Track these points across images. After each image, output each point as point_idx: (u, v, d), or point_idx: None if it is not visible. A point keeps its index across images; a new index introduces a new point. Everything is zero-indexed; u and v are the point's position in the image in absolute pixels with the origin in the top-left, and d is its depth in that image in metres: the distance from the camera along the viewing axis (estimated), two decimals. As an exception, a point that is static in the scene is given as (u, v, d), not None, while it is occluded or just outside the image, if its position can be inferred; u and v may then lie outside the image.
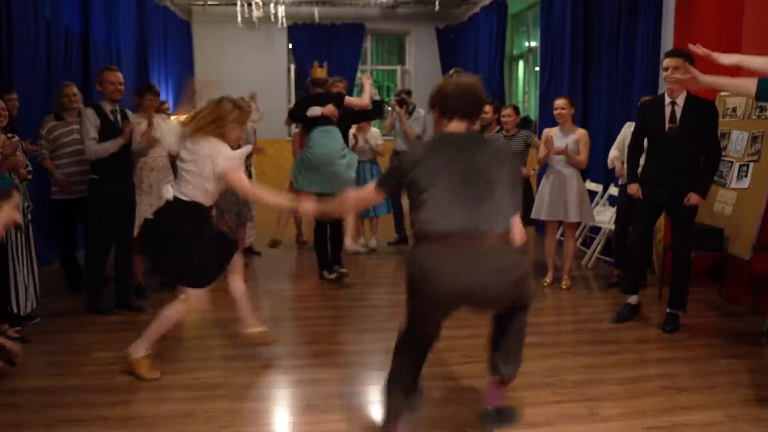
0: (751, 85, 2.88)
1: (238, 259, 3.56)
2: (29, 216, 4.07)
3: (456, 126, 2.44)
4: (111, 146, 4.20)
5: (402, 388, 2.53)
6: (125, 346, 3.81)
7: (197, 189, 3.25)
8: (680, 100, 3.95)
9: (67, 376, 3.37)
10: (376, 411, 2.95)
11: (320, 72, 5.16)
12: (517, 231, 2.42)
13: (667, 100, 3.98)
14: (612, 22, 6.09)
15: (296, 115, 5.19)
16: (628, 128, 4.86)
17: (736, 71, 3.25)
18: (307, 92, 5.13)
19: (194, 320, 4.49)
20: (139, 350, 3.33)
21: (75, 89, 4.90)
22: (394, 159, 2.50)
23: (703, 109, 3.93)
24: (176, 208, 3.25)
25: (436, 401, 3.06)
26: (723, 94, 5.03)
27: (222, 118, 3.25)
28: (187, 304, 3.33)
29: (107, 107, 4.29)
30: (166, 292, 4.97)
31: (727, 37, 5.12)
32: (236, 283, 3.56)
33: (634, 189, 4.20)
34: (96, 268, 4.40)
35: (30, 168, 4.18)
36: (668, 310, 4.12)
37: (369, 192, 2.62)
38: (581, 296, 4.97)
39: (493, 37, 9.24)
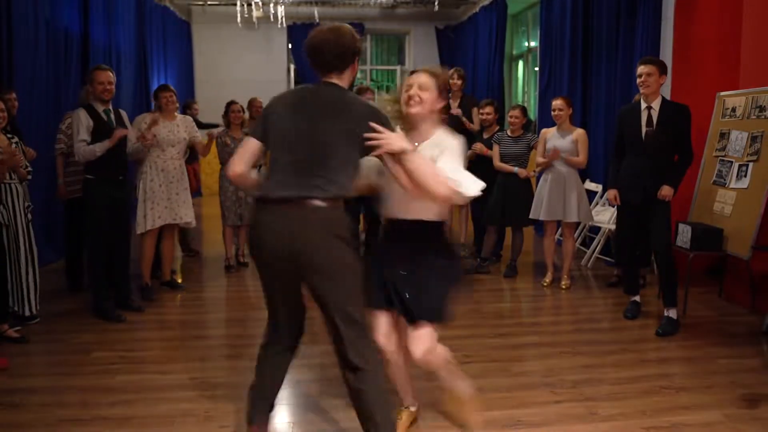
0: None
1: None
2: (29, 216, 4.07)
3: (327, 79, 2.31)
4: (99, 149, 4.15)
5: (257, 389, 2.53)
6: (125, 346, 3.84)
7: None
8: (656, 104, 4.09)
9: (67, 376, 3.37)
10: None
11: None
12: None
13: (644, 105, 4.12)
14: (611, 22, 6.09)
15: None
16: None
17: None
18: None
19: (194, 320, 4.51)
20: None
21: None
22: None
23: (677, 112, 4.07)
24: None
25: (436, 401, 3.06)
26: (722, 93, 5.03)
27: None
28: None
29: (99, 107, 4.25)
30: (168, 292, 4.99)
31: (727, 38, 5.14)
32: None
33: (612, 195, 4.35)
34: (98, 270, 4.35)
35: (30, 168, 4.18)
36: (665, 314, 4.11)
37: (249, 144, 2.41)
38: (580, 296, 4.98)
39: (493, 37, 9.25)
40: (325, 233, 2.19)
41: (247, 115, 6.23)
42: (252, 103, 6.53)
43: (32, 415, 2.94)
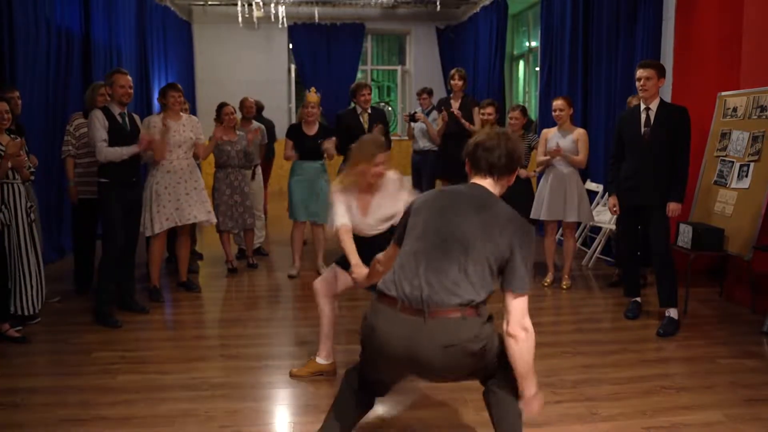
0: None
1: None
2: (32, 215, 4.07)
3: (477, 180, 2.26)
4: (126, 152, 4.18)
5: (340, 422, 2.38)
6: (125, 346, 3.84)
7: None
8: (653, 106, 4.13)
9: (68, 376, 3.37)
10: (375, 411, 2.96)
11: (310, 96, 5.41)
12: (514, 315, 2.06)
13: (642, 106, 4.17)
14: (612, 22, 6.09)
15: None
16: None
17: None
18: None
19: (194, 320, 4.51)
20: None
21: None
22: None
23: (674, 114, 4.10)
24: None
25: (436, 402, 3.07)
26: (723, 93, 5.03)
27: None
28: None
29: (116, 110, 4.26)
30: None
31: (727, 37, 5.13)
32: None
33: (612, 203, 4.38)
34: (110, 274, 4.30)
35: (32, 169, 4.18)
36: (666, 314, 4.11)
37: (392, 250, 2.45)
38: (581, 296, 4.97)
39: (493, 37, 9.25)
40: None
41: (239, 115, 6.18)
42: (243, 103, 6.44)
43: (33, 414, 2.94)
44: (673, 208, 4.06)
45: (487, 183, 2.24)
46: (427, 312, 2.04)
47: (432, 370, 2.13)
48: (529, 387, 2.13)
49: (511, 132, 5.34)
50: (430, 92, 6.90)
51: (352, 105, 5.79)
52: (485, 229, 2.11)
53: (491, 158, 2.21)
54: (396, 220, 2.93)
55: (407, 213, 2.32)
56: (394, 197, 3.18)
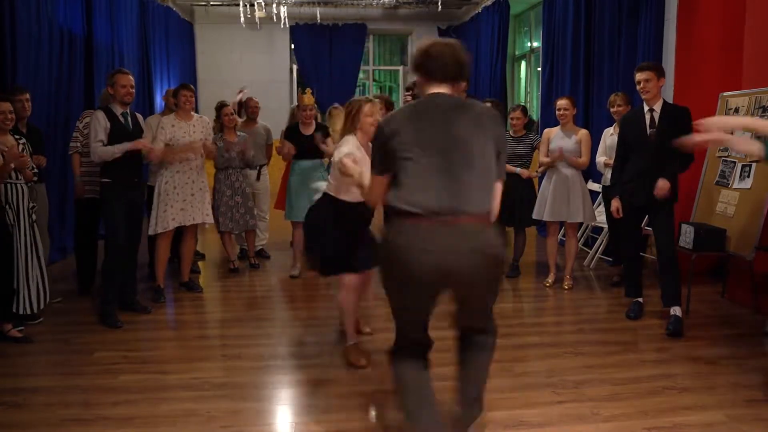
0: (755, 147, 2.89)
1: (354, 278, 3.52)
2: (34, 216, 4.08)
3: (437, 89, 2.30)
4: (118, 150, 4.16)
5: (415, 394, 2.38)
6: (127, 346, 3.85)
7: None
8: (657, 107, 4.17)
9: (69, 376, 3.38)
10: (375, 411, 2.96)
11: (306, 99, 5.40)
12: (497, 199, 2.31)
13: (646, 108, 4.20)
14: (614, 23, 6.09)
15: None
16: (606, 133, 5.25)
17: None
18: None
19: (195, 320, 4.52)
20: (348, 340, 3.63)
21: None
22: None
23: (678, 114, 4.13)
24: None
25: (437, 402, 3.06)
26: (725, 94, 5.02)
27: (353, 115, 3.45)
28: (344, 289, 3.54)
29: (118, 110, 4.26)
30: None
31: (729, 38, 5.13)
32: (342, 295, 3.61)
33: (614, 207, 4.38)
34: (115, 276, 4.29)
35: (36, 170, 4.19)
36: (671, 313, 4.11)
37: (373, 181, 2.39)
38: (583, 296, 4.97)
39: (495, 37, 9.25)
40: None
41: (242, 118, 6.15)
42: (247, 103, 6.31)
43: (35, 414, 2.95)
44: (661, 185, 4.01)
45: (444, 89, 2.31)
46: (452, 218, 2.15)
47: (461, 279, 2.19)
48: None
49: (513, 132, 5.39)
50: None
51: None
52: (479, 126, 2.25)
53: (440, 65, 2.29)
54: None
55: (382, 138, 2.27)
56: None
